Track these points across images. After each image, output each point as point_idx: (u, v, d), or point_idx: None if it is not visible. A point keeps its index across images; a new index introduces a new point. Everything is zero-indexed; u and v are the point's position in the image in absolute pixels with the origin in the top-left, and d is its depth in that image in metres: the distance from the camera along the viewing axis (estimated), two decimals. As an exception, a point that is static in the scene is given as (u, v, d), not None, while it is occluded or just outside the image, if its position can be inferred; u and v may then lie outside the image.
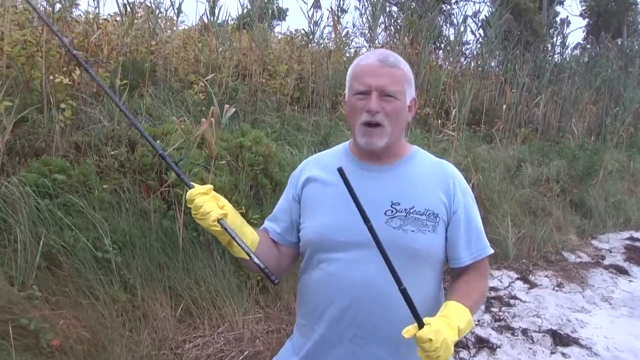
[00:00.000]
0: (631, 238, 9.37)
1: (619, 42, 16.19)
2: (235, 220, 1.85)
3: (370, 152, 1.93)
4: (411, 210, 1.86)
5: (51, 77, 4.98)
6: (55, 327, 3.37)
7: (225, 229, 1.79)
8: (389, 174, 1.94)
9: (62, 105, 4.91)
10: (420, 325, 1.61)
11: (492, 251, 2.00)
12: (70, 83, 5.13)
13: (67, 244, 3.85)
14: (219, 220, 1.77)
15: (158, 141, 4.83)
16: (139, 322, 3.91)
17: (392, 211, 1.86)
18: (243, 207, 4.66)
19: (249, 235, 1.89)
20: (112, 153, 4.67)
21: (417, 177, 1.95)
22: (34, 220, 3.84)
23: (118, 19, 7.24)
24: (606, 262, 7.85)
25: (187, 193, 1.82)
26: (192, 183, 1.86)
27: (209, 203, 1.79)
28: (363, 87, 1.85)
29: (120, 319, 3.82)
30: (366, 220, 1.62)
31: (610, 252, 8.45)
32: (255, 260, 1.81)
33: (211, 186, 1.85)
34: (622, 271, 7.47)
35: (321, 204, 1.96)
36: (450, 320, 1.67)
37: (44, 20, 2.31)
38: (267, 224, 2.13)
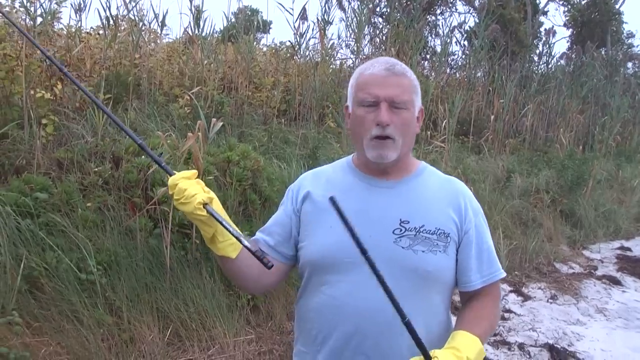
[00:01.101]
0: (622, 248, 9.36)
1: (603, 52, 16.23)
2: (220, 211, 1.69)
3: (378, 167, 1.81)
4: (421, 229, 1.74)
5: (32, 92, 4.86)
6: (37, 355, 3.23)
7: (212, 214, 1.63)
8: (397, 190, 1.82)
9: (44, 121, 4.79)
10: (427, 358, 1.49)
11: (504, 274, 1.88)
12: (52, 98, 5.01)
13: (50, 265, 3.70)
14: (204, 205, 1.62)
15: (143, 156, 4.70)
16: (126, 346, 3.78)
17: (401, 230, 1.73)
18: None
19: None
20: (96, 170, 4.54)
21: (426, 194, 1.83)
22: (14, 241, 3.69)
23: (101, 32, 7.12)
24: (599, 272, 7.80)
25: (170, 178, 1.67)
26: (174, 171, 1.71)
27: (193, 186, 1.64)
28: (371, 97, 1.72)
29: (106, 344, 3.69)
30: (363, 251, 1.47)
31: (602, 262, 8.40)
32: (245, 242, 1.65)
33: (195, 172, 1.70)
34: (615, 282, 7.41)
35: (322, 222, 1.81)
36: (459, 353, 1.54)
37: (25, 35, 2.17)
38: (258, 235, 1.97)
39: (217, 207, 1.68)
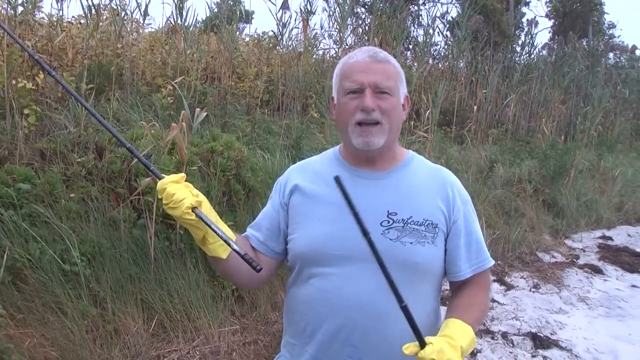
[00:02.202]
0: (603, 237, 9.43)
1: (585, 42, 16.32)
2: (210, 213, 1.70)
3: (365, 156, 1.81)
4: (409, 221, 1.74)
5: (14, 82, 4.80)
6: (21, 346, 3.20)
7: (201, 218, 1.64)
8: (384, 182, 1.81)
9: (26, 111, 4.75)
10: (422, 344, 1.49)
11: (493, 262, 1.88)
12: (34, 88, 4.96)
13: (33, 256, 3.67)
14: (193, 209, 1.62)
15: (127, 146, 4.67)
16: (110, 338, 3.76)
17: (389, 221, 1.73)
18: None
19: (224, 231, 1.73)
20: (79, 160, 4.50)
21: (414, 184, 1.82)
22: (-4, 232, 3.66)
23: (82, 21, 7.05)
24: (580, 261, 7.85)
25: (158, 183, 1.67)
26: (163, 175, 1.71)
27: (182, 190, 1.64)
28: (355, 84, 1.72)
29: (90, 335, 3.67)
30: (365, 232, 1.47)
31: (584, 251, 8.47)
32: (234, 246, 1.66)
33: (183, 175, 1.70)
34: (596, 270, 7.47)
35: (311, 215, 1.81)
36: (453, 341, 1.55)
37: (8, 31, 2.15)
38: (249, 231, 1.98)
39: (206, 209, 1.69)
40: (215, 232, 1.66)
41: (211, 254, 1.75)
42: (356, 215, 1.48)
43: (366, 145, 1.73)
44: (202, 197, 1.68)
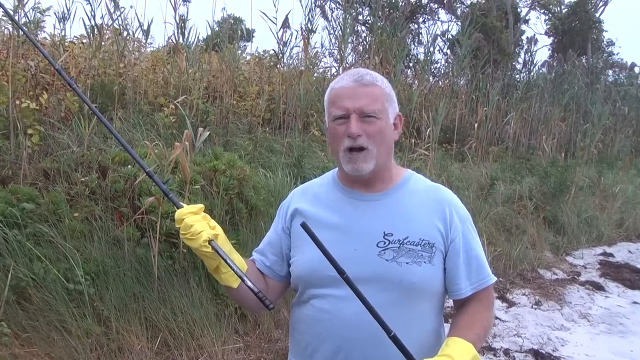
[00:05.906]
0: (604, 254, 9.44)
1: (584, 60, 16.39)
2: (225, 244, 1.73)
3: (360, 178, 1.83)
4: (405, 241, 1.75)
5: (17, 102, 4.83)
6: (26, 365, 3.22)
7: (216, 251, 1.67)
8: (380, 203, 1.83)
9: (30, 131, 4.78)
10: None
11: (494, 280, 1.89)
12: (37, 108, 4.99)
13: (37, 276, 3.69)
14: (209, 242, 1.66)
15: (129, 166, 4.71)
16: (114, 356, 3.77)
17: (385, 242, 1.75)
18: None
19: (237, 262, 1.76)
20: (83, 179, 4.53)
21: (410, 204, 1.83)
22: (1, 251, 3.69)
23: (85, 41, 7.10)
24: (582, 278, 7.86)
25: (177, 212, 1.71)
26: (181, 203, 1.75)
27: (199, 223, 1.68)
28: (341, 111, 1.75)
29: (95, 354, 3.68)
30: (341, 272, 1.51)
31: (585, 268, 8.47)
32: (249, 283, 1.69)
33: (202, 206, 1.74)
34: (598, 287, 7.47)
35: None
36: None
37: (38, 47, 2.18)
38: (255, 255, 2.01)
39: (222, 241, 1.72)
40: (231, 266, 1.70)
41: (223, 283, 1.79)
42: (329, 258, 1.52)
43: (355, 171, 1.76)
44: (218, 230, 1.72)
